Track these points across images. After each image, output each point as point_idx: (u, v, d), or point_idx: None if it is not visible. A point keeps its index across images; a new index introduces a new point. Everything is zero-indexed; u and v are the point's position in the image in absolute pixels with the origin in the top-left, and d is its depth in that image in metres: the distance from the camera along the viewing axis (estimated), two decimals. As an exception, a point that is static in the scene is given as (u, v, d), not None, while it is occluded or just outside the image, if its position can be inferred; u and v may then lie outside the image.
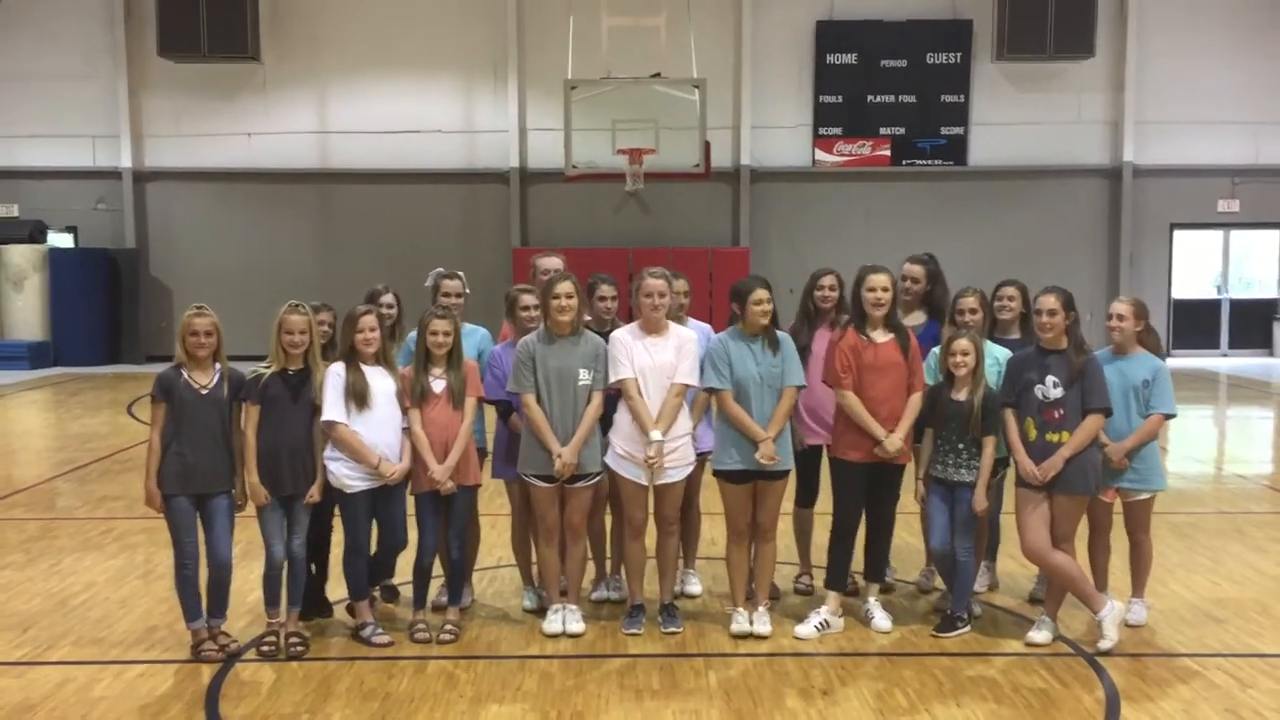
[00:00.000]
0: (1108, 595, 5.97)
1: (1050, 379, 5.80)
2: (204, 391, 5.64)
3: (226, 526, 5.72)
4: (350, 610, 6.13)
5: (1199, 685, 5.39)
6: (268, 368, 5.77)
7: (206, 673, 5.53)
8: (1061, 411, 5.77)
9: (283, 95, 21.79)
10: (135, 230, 21.91)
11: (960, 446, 6.01)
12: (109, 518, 8.86)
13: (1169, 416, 6.05)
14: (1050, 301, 5.84)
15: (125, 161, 21.77)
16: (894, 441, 5.96)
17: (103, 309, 21.33)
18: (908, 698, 5.24)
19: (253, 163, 21.76)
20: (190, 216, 22.00)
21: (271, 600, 5.82)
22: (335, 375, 5.77)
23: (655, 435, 5.91)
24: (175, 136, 21.85)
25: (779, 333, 6.09)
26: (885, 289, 6.04)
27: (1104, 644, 5.77)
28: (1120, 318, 6.01)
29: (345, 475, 5.79)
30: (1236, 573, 7.32)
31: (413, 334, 6.15)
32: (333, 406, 5.72)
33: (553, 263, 6.69)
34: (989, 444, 5.98)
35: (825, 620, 6.10)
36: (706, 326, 6.59)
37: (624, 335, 6.09)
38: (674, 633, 6.09)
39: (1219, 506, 9.57)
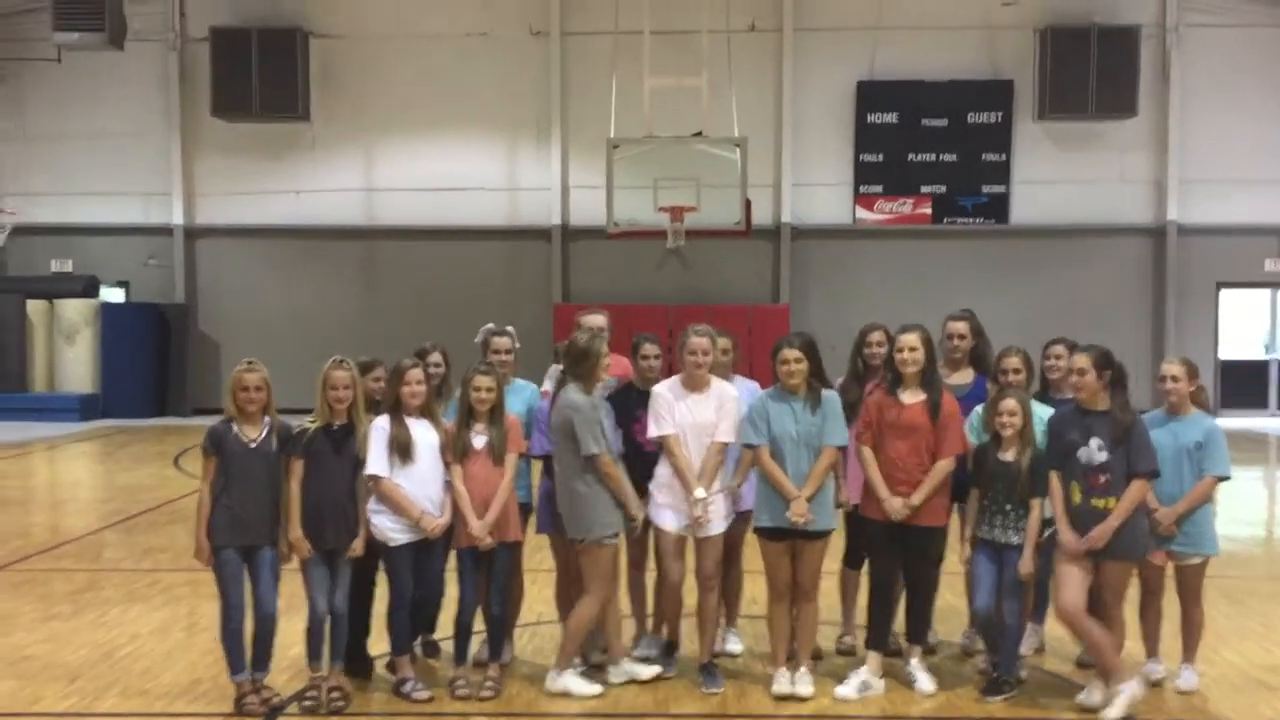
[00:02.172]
0: (1136, 674, 5.82)
1: (1095, 441, 5.70)
2: (253, 445, 5.72)
3: (272, 579, 5.78)
4: (390, 666, 6.14)
5: (1252, 754, 5.28)
6: (313, 422, 5.85)
7: (249, 726, 5.57)
8: (1107, 476, 5.66)
9: (331, 153, 22.21)
10: (185, 285, 22.31)
11: (1008, 508, 5.94)
12: (155, 569, 8.95)
13: (1222, 479, 5.94)
14: (1080, 360, 5.75)
15: (177, 218, 22.22)
16: (893, 505, 5.94)
17: (152, 363, 21.68)
18: (952, 762, 5.16)
19: (301, 219, 22.14)
20: (239, 272, 22.39)
21: (314, 654, 5.84)
22: (379, 429, 5.83)
23: (699, 493, 5.94)
24: (226, 194, 22.31)
25: (826, 391, 6.08)
26: (914, 348, 6.01)
27: (1108, 713, 5.62)
28: (1175, 379, 5.93)
29: (389, 528, 5.83)
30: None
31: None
32: (376, 460, 5.78)
33: (597, 320, 6.73)
34: (1036, 506, 5.91)
35: (866, 681, 6.03)
36: (753, 384, 6.60)
37: (665, 392, 6.14)
38: (715, 693, 6.05)
39: (1270, 570, 9.39)
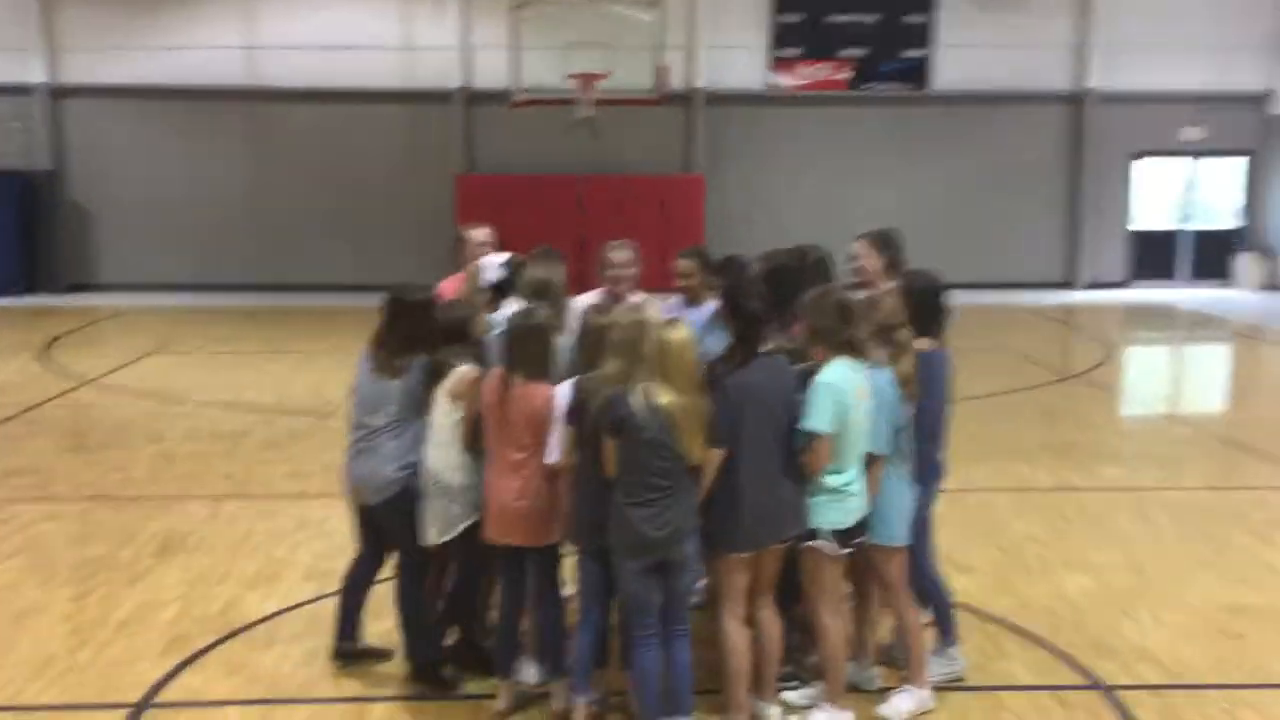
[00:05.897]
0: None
1: None
2: None
3: None
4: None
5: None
6: None
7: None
8: None
9: (209, 6, 20.41)
10: (52, 150, 20.58)
11: None
12: (11, 500, 7.91)
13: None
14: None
15: (38, 76, 20.34)
16: None
17: (17, 235, 20.13)
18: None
19: (178, 79, 20.41)
20: (112, 136, 20.67)
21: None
22: None
23: None
24: (94, 50, 20.42)
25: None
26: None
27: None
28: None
29: None
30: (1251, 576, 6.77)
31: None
32: None
33: (483, 234, 6.32)
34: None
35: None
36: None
37: (588, 304, 5.60)
38: None
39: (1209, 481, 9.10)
